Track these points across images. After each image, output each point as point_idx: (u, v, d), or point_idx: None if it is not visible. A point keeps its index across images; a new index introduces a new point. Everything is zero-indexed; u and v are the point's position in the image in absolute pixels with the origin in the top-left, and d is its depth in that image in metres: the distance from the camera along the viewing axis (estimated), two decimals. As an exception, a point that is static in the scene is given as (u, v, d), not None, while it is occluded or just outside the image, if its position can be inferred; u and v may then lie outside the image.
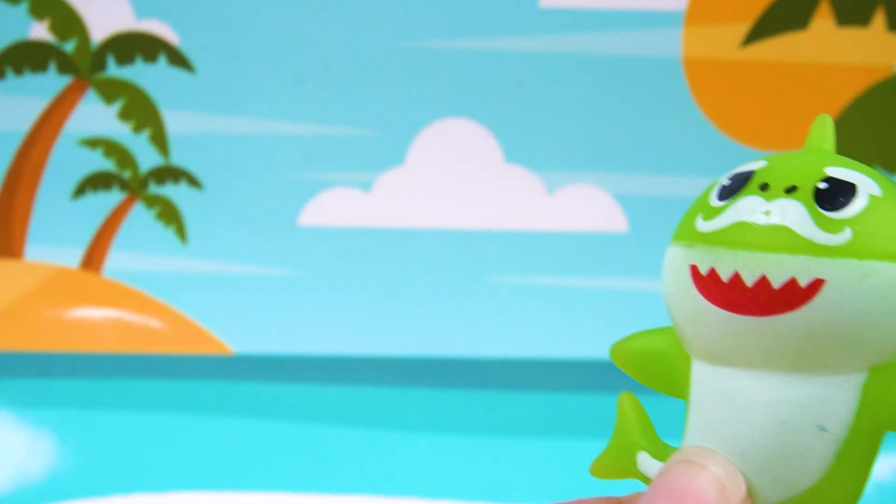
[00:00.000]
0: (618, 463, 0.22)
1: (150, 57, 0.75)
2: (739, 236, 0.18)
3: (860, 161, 0.20)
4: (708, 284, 0.18)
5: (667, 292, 0.19)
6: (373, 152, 0.77)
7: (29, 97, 0.76)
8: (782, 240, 0.18)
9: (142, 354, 0.78)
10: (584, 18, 0.74)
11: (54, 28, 0.75)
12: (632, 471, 0.21)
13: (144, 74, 0.76)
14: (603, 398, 0.77)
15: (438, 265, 0.78)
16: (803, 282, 0.17)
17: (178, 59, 0.75)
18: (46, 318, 0.78)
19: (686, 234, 0.19)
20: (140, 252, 0.78)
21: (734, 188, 0.19)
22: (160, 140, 0.76)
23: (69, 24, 0.75)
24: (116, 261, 0.78)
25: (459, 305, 0.79)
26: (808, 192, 0.18)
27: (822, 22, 0.74)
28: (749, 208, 0.18)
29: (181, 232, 0.77)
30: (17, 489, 0.71)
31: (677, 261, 0.19)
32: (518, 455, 0.72)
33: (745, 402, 0.18)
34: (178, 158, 0.77)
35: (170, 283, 0.78)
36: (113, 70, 0.76)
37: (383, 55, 0.75)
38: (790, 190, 0.18)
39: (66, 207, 0.77)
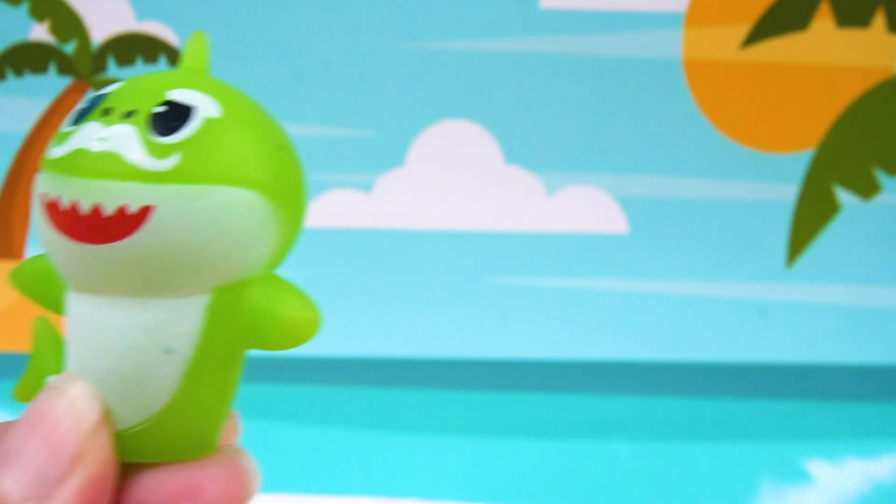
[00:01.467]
0: (33, 387, 0.22)
1: (151, 58, 0.75)
2: (76, 163, 0.18)
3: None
4: (53, 212, 0.18)
5: (35, 219, 0.19)
6: (373, 154, 0.77)
7: (29, 98, 0.76)
8: (112, 167, 0.18)
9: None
10: (585, 19, 0.74)
11: (54, 29, 0.75)
12: None
13: (144, 76, 0.76)
14: (603, 400, 0.77)
15: (439, 266, 0.78)
16: (133, 209, 0.17)
17: (178, 60, 0.75)
18: (46, 319, 0.78)
19: (42, 161, 0.19)
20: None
21: (85, 112, 0.19)
22: (160, 141, 0.76)
23: (69, 25, 0.75)
24: (116, 262, 0.78)
25: (459, 307, 0.79)
26: (144, 117, 0.18)
27: (823, 23, 0.74)
28: (87, 135, 0.18)
29: (181, 233, 0.77)
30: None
31: (37, 188, 0.19)
32: (518, 456, 0.72)
33: (99, 328, 0.19)
34: (179, 160, 0.77)
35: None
36: (113, 71, 0.76)
37: (383, 56, 0.75)
38: (129, 114, 0.18)
39: (67, 209, 0.77)
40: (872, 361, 0.79)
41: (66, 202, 0.18)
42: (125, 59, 0.76)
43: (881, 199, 0.77)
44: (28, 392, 0.21)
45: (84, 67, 0.76)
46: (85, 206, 0.18)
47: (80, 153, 0.18)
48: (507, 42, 0.75)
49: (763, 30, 0.75)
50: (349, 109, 0.76)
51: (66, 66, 0.76)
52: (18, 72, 0.76)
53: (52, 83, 0.76)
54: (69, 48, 0.75)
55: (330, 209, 0.78)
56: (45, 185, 0.19)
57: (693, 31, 0.75)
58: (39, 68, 0.76)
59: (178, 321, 0.18)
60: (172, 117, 0.18)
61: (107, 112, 0.18)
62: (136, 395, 0.19)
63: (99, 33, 0.75)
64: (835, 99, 0.75)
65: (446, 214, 0.78)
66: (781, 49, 0.75)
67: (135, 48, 0.75)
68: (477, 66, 0.75)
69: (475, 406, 0.77)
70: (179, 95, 0.18)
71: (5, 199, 0.77)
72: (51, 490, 0.18)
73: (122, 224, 0.17)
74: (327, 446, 0.73)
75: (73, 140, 0.18)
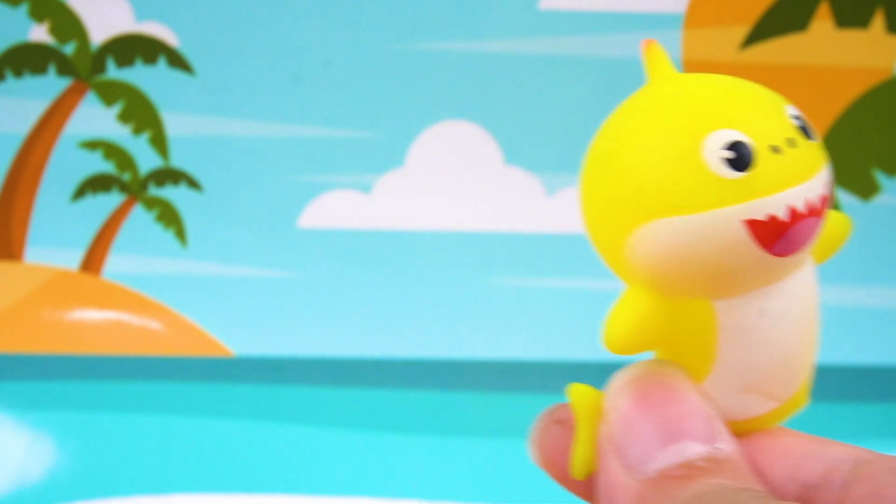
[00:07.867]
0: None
1: (150, 59, 0.75)
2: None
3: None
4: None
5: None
6: (372, 154, 0.77)
7: (28, 99, 0.76)
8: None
9: (141, 357, 0.78)
10: (584, 20, 0.75)
11: (54, 30, 0.75)
12: None
13: (144, 76, 0.76)
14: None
15: (438, 267, 0.78)
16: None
17: (177, 61, 0.75)
18: (46, 320, 0.78)
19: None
20: (139, 254, 0.78)
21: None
22: (160, 142, 0.76)
23: (69, 26, 0.75)
24: (116, 263, 0.78)
25: (459, 307, 0.79)
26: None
27: (822, 24, 0.74)
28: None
29: (181, 234, 0.77)
30: (17, 491, 0.71)
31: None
32: (518, 456, 0.72)
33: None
34: (178, 160, 0.77)
35: (169, 285, 0.78)
36: (112, 72, 0.76)
37: (383, 57, 0.75)
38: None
39: (66, 210, 0.77)
40: (872, 361, 0.79)
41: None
42: (124, 60, 0.76)
43: (880, 199, 0.77)
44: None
45: (83, 68, 0.76)
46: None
47: None
48: (506, 42, 0.75)
49: (762, 31, 0.75)
50: (349, 110, 0.76)
51: (65, 67, 0.76)
52: (18, 73, 0.76)
53: (52, 84, 0.76)
54: (68, 49, 0.75)
55: (329, 210, 0.78)
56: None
57: (692, 32, 0.75)
58: (39, 69, 0.76)
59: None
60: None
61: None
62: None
63: (98, 34, 0.75)
64: (834, 100, 0.75)
65: (446, 215, 0.78)
66: (781, 50, 0.75)
67: (134, 49, 0.75)
68: (477, 67, 0.75)
69: (475, 407, 0.77)
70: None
71: (5, 199, 0.77)
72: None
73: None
74: (327, 446, 0.73)
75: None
